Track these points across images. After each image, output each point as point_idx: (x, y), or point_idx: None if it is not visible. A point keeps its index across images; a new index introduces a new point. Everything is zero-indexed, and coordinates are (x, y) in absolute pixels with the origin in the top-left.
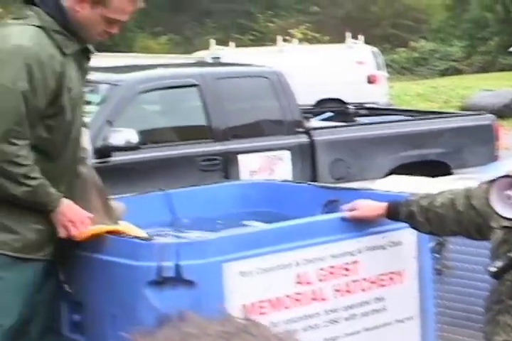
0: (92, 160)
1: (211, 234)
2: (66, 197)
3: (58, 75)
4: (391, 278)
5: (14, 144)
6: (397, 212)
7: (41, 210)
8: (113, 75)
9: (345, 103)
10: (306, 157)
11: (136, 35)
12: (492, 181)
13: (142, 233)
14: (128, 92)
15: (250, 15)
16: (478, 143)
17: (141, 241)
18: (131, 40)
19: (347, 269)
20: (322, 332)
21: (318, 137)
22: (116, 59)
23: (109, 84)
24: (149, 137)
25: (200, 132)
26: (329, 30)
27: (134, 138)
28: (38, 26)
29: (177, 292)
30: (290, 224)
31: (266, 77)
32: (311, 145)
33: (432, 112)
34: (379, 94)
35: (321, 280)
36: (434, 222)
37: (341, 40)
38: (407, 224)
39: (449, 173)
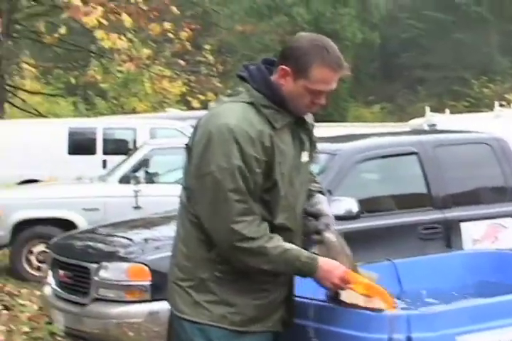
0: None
1: (442, 306)
2: None
3: (268, 150)
4: None
5: (242, 221)
6: None
7: (261, 288)
8: (331, 145)
9: None
10: None
11: (349, 105)
12: None
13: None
14: (346, 162)
15: (464, 81)
16: None
17: (372, 313)
18: (345, 110)
19: None
20: None
21: None
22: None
23: (327, 153)
24: (368, 206)
25: (419, 200)
26: None
27: (354, 207)
28: (247, 102)
29: None
30: None
31: (487, 144)
32: None
33: None
34: None
35: None
36: None
37: None
38: None
39: None
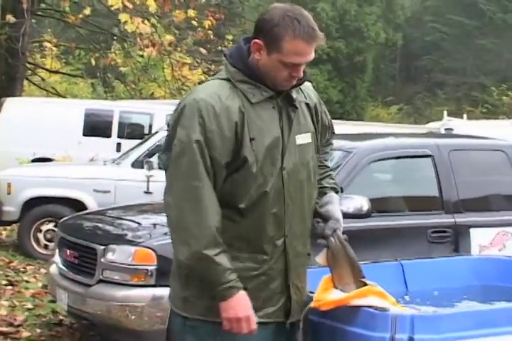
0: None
1: (446, 309)
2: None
3: (237, 126)
4: None
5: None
6: None
7: (248, 276)
8: (347, 142)
9: None
10: None
11: (368, 104)
12: None
13: (392, 300)
14: (361, 160)
15: (484, 87)
16: None
17: (376, 311)
18: (363, 109)
19: None
20: None
21: None
22: (347, 127)
23: (342, 150)
24: (379, 205)
25: (431, 203)
26: None
27: (365, 205)
28: (224, 79)
29: None
30: None
31: (502, 151)
32: None
33: None
34: None
35: None
36: None
37: None
38: None
39: None
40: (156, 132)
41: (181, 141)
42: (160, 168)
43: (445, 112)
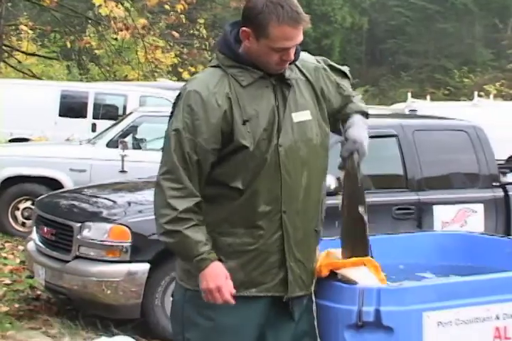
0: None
1: (411, 282)
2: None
3: (226, 111)
4: None
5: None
6: None
7: (245, 250)
8: None
9: None
10: (500, 211)
11: None
12: None
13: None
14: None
15: (446, 70)
16: None
17: (344, 285)
18: None
19: None
20: None
21: None
22: None
23: None
24: None
25: (395, 181)
26: None
27: (332, 184)
28: (215, 66)
29: (376, 337)
30: (491, 278)
31: (464, 131)
32: (506, 200)
33: None
34: None
35: None
36: None
37: None
38: None
39: None
40: (130, 113)
41: (167, 129)
42: (134, 148)
43: (409, 94)
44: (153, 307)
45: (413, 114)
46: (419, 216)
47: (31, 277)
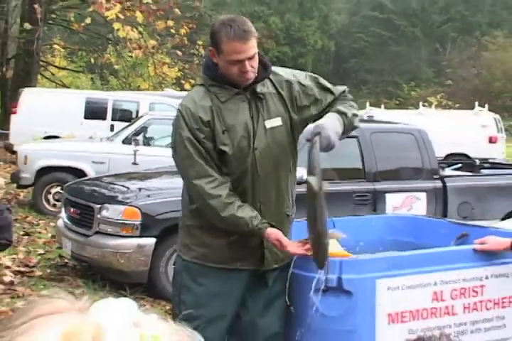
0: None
1: (367, 255)
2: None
3: (209, 122)
4: (511, 301)
5: (198, 183)
6: None
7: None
8: None
9: (469, 157)
10: (439, 198)
11: None
12: None
13: (342, 250)
14: (301, 140)
15: (397, 84)
16: None
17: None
18: None
19: (475, 291)
20: None
21: (450, 183)
22: None
23: None
24: None
25: (356, 174)
26: (460, 99)
27: (304, 175)
28: (200, 85)
29: (338, 299)
30: (430, 252)
31: (411, 134)
32: (444, 190)
33: None
34: (497, 152)
35: (453, 298)
36: None
37: (469, 107)
38: None
39: None
40: (142, 116)
41: (176, 140)
42: (144, 145)
43: (367, 103)
44: (158, 274)
45: (370, 120)
46: (375, 202)
47: (60, 248)
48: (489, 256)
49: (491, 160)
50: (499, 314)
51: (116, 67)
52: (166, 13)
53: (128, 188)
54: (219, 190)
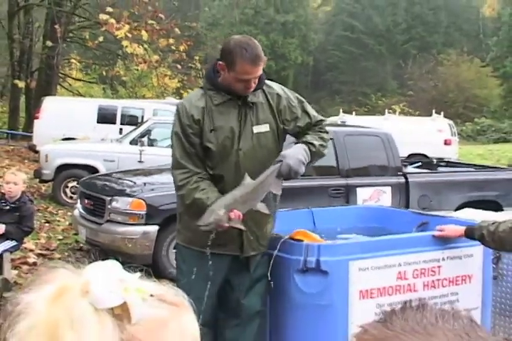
0: None
1: (341, 241)
2: None
3: (199, 121)
4: (463, 279)
5: (176, 172)
6: (472, 233)
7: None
8: None
9: (428, 157)
10: (402, 192)
11: None
12: None
13: (316, 236)
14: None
15: (366, 95)
16: None
17: (295, 242)
18: None
19: (433, 271)
20: None
21: (412, 179)
22: None
23: None
24: None
25: (331, 170)
26: (420, 107)
27: None
28: (200, 87)
29: (316, 278)
30: (395, 237)
31: (378, 136)
32: (406, 184)
33: (489, 167)
34: (451, 153)
35: (415, 277)
36: (497, 242)
37: (428, 114)
38: (478, 242)
39: (501, 210)
40: (146, 121)
41: (172, 133)
42: (149, 145)
43: (341, 110)
44: (160, 256)
45: (344, 124)
46: (347, 195)
47: (76, 234)
48: (446, 241)
49: (446, 160)
50: (453, 290)
51: (124, 78)
52: (167, 32)
53: (135, 183)
54: (188, 179)
